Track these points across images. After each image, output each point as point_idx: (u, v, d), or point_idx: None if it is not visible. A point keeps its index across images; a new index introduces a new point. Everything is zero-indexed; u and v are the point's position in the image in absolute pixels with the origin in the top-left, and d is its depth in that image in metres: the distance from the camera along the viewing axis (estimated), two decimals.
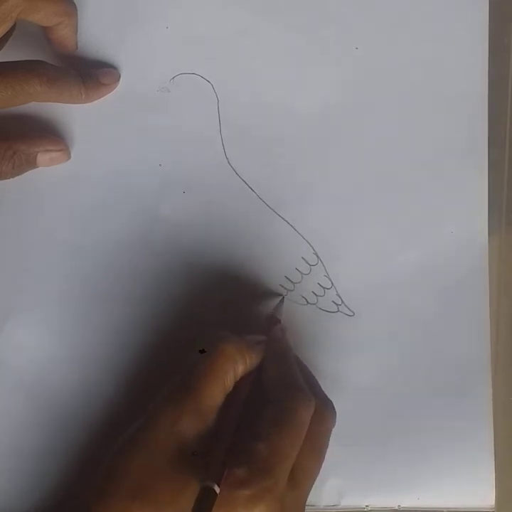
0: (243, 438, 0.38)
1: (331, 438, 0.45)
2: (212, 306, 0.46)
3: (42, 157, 0.45)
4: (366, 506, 0.46)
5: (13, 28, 0.43)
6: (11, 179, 0.45)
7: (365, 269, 0.47)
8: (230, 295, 0.46)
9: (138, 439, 0.39)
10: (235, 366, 0.40)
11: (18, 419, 0.46)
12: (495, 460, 0.47)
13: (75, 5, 0.44)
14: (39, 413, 0.46)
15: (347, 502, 0.46)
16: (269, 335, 0.44)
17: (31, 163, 0.45)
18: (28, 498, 0.45)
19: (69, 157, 0.46)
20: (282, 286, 0.46)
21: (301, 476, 0.39)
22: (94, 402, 0.46)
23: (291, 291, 0.47)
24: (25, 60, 0.43)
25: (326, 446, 0.41)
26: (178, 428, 0.39)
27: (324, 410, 0.41)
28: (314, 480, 0.40)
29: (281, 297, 0.46)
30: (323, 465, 0.44)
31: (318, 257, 0.47)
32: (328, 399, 0.42)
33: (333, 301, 0.47)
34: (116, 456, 0.39)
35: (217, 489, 0.36)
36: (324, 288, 0.47)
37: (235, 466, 0.37)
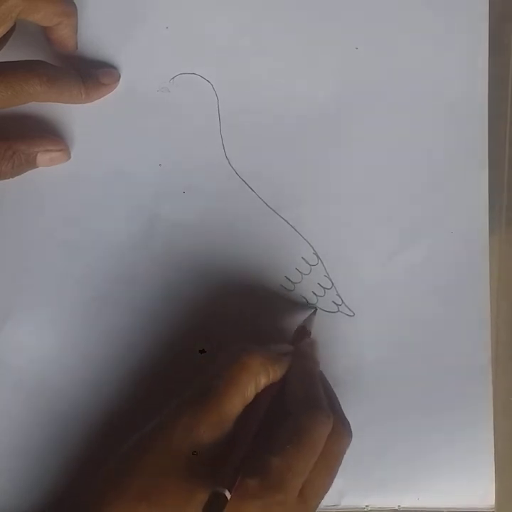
0: (259, 449, 0.38)
1: None
2: (215, 309, 0.46)
3: (42, 157, 0.45)
4: (366, 506, 0.46)
5: (13, 28, 0.43)
6: (11, 179, 0.45)
7: (366, 269, 0.47)
8: (230, 295, 0.46)
9: (151, 441, 0.39)
10: (256, 378, 0.40)
11: (18, 419, 0.46)
12: (495, 460, 0.47)
13: (75, 5, 0.44)
14: (39, 413, 0.46)
15: (347, 502, 0.46)
16: (297, 347, 0.43)
17: (31, 163, 0.45)
18: (28, 497, 0.45)
19: (69, 157, 0.46)
20: (282, 286, 0.46)
21: (311, 492, 0.39)
22: (95, 402, 0.46)
23: (292, 291, 0.46)
24: (25, 60, 0.43)
25: (339, 464, 0.41)
26: (193, 434, 0.39)
27: (341, 429, 0.41)
28: (323, 497, 0.40)
29: (313, 310, 0.46)
30: None
31: (318, 257, 0.47)
32: (346, 418, 0.42)
33: (333, 302, 0.47)
34: (124, 457, 0.39)
35: (228, 495, 0.36)
36: (324, 288, 0.47)
37: (248, 476, 0.37)
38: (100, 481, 0.39)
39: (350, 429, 0.42)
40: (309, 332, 0.45)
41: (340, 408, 0.42)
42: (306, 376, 0.42)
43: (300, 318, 0.46)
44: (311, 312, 0.46)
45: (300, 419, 0.39)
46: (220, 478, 0.36)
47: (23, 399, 0.46)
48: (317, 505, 0.40)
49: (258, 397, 0.41)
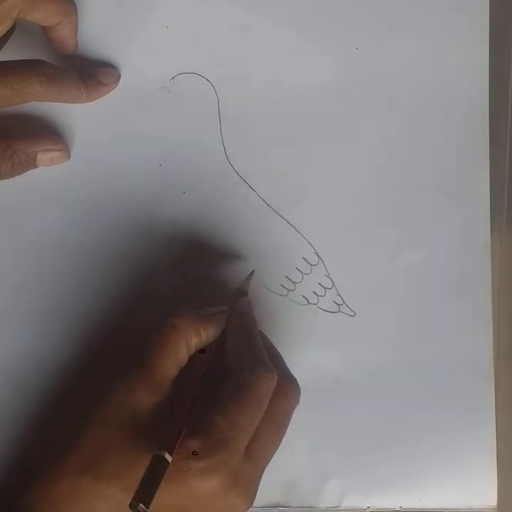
0: (201, 411, 0.38)
1: (331, 438, 0.45)
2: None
3: (42, 157, 0.45)
4: (367, 507, 0.46)
5: (13, 28, 0.43)
6: (11, 179, 0.45)
7: (366, 269, 0.47)
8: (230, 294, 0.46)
9: (90, 413, 0.39)
10: (187, 339, 0.41)
11: None
12: (497, 460, 0.46)
13: (74, 5, 0.44)
14: None
15: (348, 503, 0.46)
16: (235, 307, 0.43)
17: (31, 163, 0.45)
18: None
19: (69, 157, 0.46)
20: (283, 286, 0.46)
21: (259, 450, 0.39)
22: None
23: (292, 291, 0.46)
24: (25, 60, 0.43)
25: (287, 423, 0.41)
26: (131, 401, 0.39)
27: (288, 387, 0.41)
28: (271, 456, 0.40)
29: (251, 271, 0.46)
30: (323, 465, 0.44)
31: (319, 256, 0.47)
32: (293, 376, 0.42)
33: (334, 301, 0.47)
34: (66, 432, 0.39)
35: (169, 458, 0.36)
36: (325, 288, 0.47)
37: (191, 437, 0.37)
38: (44, 460, 0.39)
39: (298, 386, 0.41)
40: (246, 292, 0.44)
41: (286, 366, 0.42)
42: (245, 334, 0.42)
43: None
44: (248, 274, 0.46)
45: (242, 375, 0.39)
46: (161, 442, 0.36)
47: None
48: (265, 465, 0.40)
49: (194, 358, 0.41)
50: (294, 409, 0.41)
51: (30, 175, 0.45)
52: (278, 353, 0.43)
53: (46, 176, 0.46)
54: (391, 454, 0.46)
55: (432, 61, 0.47)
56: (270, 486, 0.44)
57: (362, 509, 0.46)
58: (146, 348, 0.40)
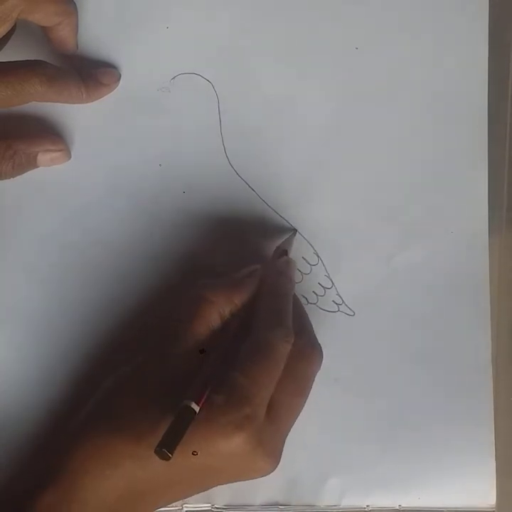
0: (223, 369, 0.39)
1: (330, 437, 0.45)
2: None
3: (42, 157, 0.45)
4: (367, 506, 0.46)
5: (13, 28, 0.43)
6: (11, 179, 0.45)
7: (366, 269, 0.47)
8: None
9: (119, 382, 0.40)
10: (220, 310, 0.41)
11: None
12: (496, 460, 0.46)
13: (75, 5, 0.44)
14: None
15: (347, 502, 0.46)
16: (273, 265, 0.44)
17: (31, 163, 0.45)
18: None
19: (69, 157, 0.46)
20: None
21: (282, 411, 0.40)
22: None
23: None
24: (25, 60, 0.43)
25: (310, 387, 0.42)
26: (163, 372, 0.40)
27: (312, 352, 0.42)
28: (295, 418, 0.41)
29: (293, 231, 0.46)
30: (323, 464, 0.44)
31: (318, 256, 0.47)
32: (317, 341, 0.42)
33: (333, 301, 0.47)
34: (97, 399, 0.41)
35: (195, 408, 0.36)
36: (325, 288, 0.47)
37: (215, 393, 0.38)
38: (74, 424, 0.40)
39: (322, 353, 0.42)
40: (286, 251, 0.44)
41: (312, 330, 0.43)
42: (276, 293, 0.42)
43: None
44: (290, 234, 0.46)
45: (259, 334, 0.40)
46: (188, 395, 0.37)
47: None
48: (289, 427, 0.41)
49: (227, 322, 0.42)
50: (315, 374, 0.42)
51: (31, 175, 0.45)
52: (307, 318, 0.44)
53: (46, 176, 0.46)
54: (390, 453, 0.46)
55: (432, 61, 0.47)
56: (270, 484, 0.44)
57: (361, 508, 0.46)
58: (179, 322, 0.41)
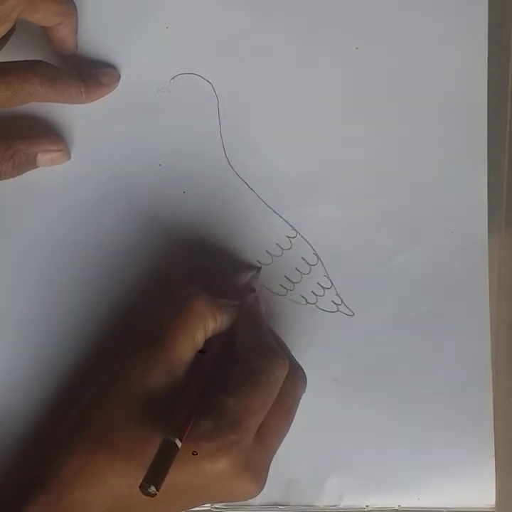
0: (211, 394, 0.39)
1: (330, 438, 0.45)
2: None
3: (42, 157, 0.45)
4: (366, 506, 0.46)
5: (13, 28, 0.43)
6: (11, 179, 0.45)
7: (365, 269, 0.47)
8: (230, 294, 0.46)
9: (105, 391, 0.40)
10: (205, 323, 0.41)
11: None
12: (495, 460, 0.47)
13: (74, 5, 0.44)
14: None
15: (347, 502, 0.46)
16: (243, 302, 0.44)
17: (31, 163, 0.45)
18: None
19: (69, 157, 0.46)
20: (282, 286, 0.46)
21: (270, 434, 0.39)
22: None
23: (291, 290, 0.47)
24: (25, 60, 0.43)
25: (296, 409, 0.41)
26: (146, 381, 0.39)
27: (296, 375, 0.41)
28: (281, 441, 0.41)
29: (257, 268, 0.46)
30: (322, 464, 0.44)
31: (317, 256, 0.47)
32: (299, 365, 0.42)
33: (332, 301, 0.47)
34: (82, 409, 0.40)
35: (178, 443, 0.36)
36: (324, 288, 0.47)
37: (202, 418, 0.37)
38: (61, 435, 0.40)
39: (305, 373, 0.42)
40: (253, 288, 0.45)
41: (292, 354, 0.42)
42: (254, 326, 0.42)
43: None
44: (255, 271, 0.46)
45: (256, 362, 0.39)
46: (171, 426, 0.36)
47: None
48: (275, 450, 0.40)
49: (208, 343, 0.41)
50: (301, 396, 0.42)
51: (30, 175, 0.45)
52: (284, 343, 0.43)
53: (46, 176, 0.46)
54: (390, 454, 0.46)
55: (431, 61, 0.47)
56: (269, 484, 0.44)
57: (361, 508, 0.47)
58: (162, 326, 0.41)
